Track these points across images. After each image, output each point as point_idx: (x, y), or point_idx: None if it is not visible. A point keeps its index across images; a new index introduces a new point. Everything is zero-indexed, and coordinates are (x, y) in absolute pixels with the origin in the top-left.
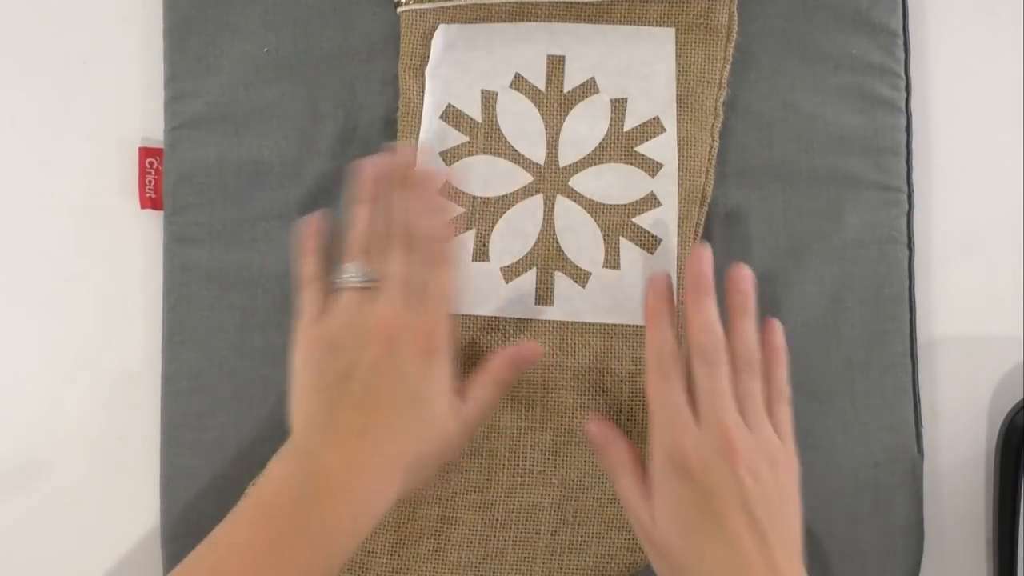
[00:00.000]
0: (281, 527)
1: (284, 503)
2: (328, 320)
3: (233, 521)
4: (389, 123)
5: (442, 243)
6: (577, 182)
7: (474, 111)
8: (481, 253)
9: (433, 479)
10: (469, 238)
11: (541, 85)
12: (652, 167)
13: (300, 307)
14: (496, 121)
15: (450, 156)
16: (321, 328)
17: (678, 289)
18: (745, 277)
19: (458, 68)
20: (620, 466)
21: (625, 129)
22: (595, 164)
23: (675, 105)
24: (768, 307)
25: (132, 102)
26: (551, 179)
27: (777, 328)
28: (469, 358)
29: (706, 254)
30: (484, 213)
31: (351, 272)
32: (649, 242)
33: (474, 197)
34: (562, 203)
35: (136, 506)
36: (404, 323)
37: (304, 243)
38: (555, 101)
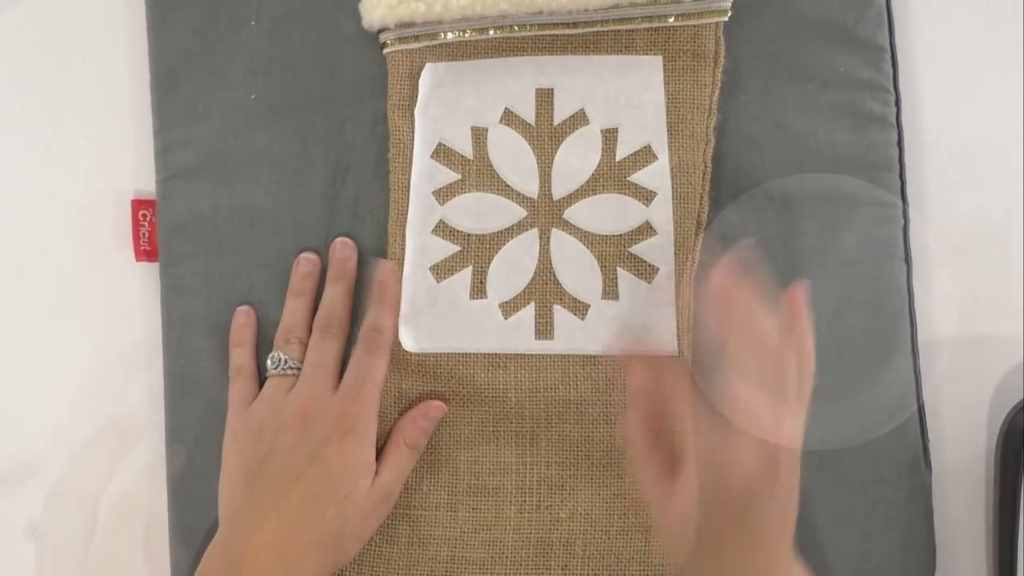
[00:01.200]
0: None
1: None
2: (253, 408)
3: None
4: (380, 163)
5: (377, 332)
6: (572, 214)
7: (465, 148)
8: (479, 290)
9: (356, 551)
10: (466, 275)
11: (531, 119)
12: (646, 196)
13: (229, 399)
14: (487, 157)
15: (442, 194)
16: (247, 417)
17: (689, 317)
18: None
19: (447, 106)
20: (647, 451)
21: (617, 159)
22: (589, 195)
23: (666, 133)
24: None
25: (125, 153)
26: (545, 212)
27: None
28: (470, 396)
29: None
30: (480, 250)
31: (273, 361)
32: (647, 271)
33: (469, 234)
34: (557, 236)
35: (137, 505)
36: (320, 407)
37: (234, 335)
38: (546, 134)
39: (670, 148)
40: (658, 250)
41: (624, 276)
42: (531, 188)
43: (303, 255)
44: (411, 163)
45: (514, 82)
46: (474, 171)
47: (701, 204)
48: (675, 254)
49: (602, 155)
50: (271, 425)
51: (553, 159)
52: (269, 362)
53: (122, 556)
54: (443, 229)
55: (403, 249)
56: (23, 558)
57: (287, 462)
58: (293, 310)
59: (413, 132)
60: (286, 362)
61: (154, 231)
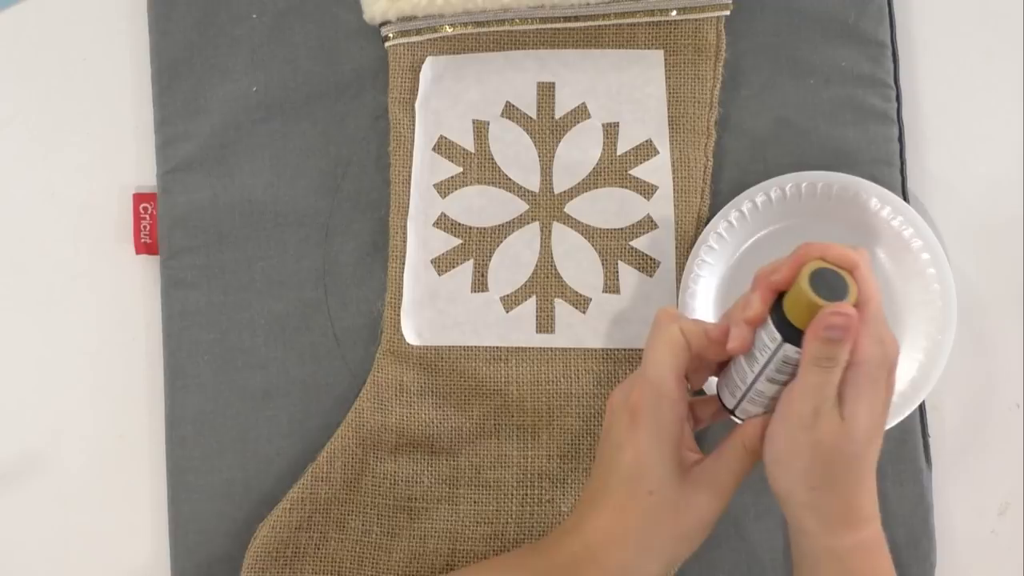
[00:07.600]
0: None
1: None
2: None
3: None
4: (381, 156)
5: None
6: (573, 208)
7: (466, 141)
8: (480, 283)
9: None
10: (467, 268)
11: (532, 113)
12: (647, 190)
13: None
14: (489, 150)
15: (444, 187)
16: None
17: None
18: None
19: (448, 99)
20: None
21: (618, 153)
22: (590, 189)
23: (667, 127)
24: None
25: (126, 147)
26: (547, 206)
27: None
28: (471, 390)
29: None
30: (481, 243)
31: None
32: (648, 265)
33: (470, 227)
34: (559, 230)
35: (137, 504)
36: None
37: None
38: (547, 128)
39: (671, 142)
40: (659, 244)
41: (625, 270)
42: (532, 182)
43: None
44: (412, 156)
45: (516, 76)
46: (475, 164)
47: (702, 198)
48: (676, 248)
49: (603, 149)
50: None
51: (554, 153)
52: None
53: (122, 550)
54: (444, 222)
55: (404, 242)
56: (24, 556)
57: None
58: None
59: (414, 125)
60: None
61: (155, 224)
